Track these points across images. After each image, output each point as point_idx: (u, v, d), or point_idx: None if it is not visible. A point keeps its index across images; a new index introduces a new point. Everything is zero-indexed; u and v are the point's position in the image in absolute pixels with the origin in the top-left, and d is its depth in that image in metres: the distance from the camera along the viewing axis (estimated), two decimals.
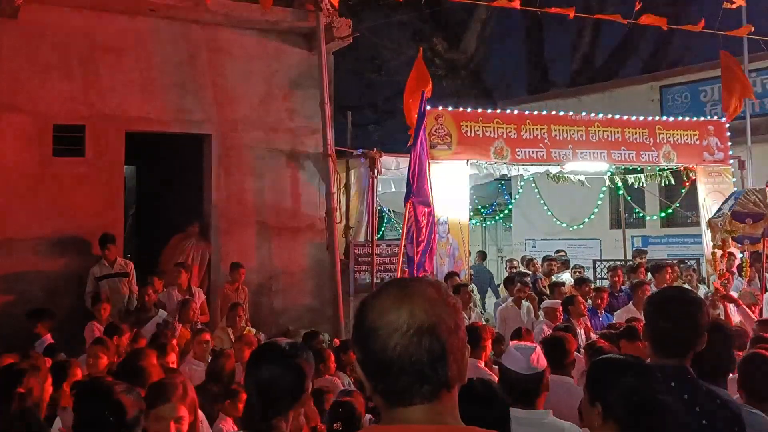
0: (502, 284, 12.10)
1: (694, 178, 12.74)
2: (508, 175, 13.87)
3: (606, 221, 17.76)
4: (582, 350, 6.33)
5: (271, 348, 2.86)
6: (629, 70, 23.04)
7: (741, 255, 11.08)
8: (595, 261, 16.15)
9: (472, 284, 11.65)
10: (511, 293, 10.24)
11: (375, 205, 11.49)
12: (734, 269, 10.42)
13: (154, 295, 8.82)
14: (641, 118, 12.50)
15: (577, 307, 8.56)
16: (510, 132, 11.34)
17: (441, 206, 10.65)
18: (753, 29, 11.94)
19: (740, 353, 4.95)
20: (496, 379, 4.32)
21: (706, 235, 11.28)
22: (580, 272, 12.35)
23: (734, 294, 8.91)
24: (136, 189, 11.79)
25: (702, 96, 17.24)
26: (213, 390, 5.59)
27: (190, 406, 3.39)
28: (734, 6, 11.32)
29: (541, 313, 9.45)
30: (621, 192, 14.33)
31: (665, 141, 12.38)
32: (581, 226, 16.46)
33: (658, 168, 12.88)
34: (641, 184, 13.59)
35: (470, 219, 12.78)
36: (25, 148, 9.50)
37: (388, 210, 16.60)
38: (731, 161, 12.93)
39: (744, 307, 7.75)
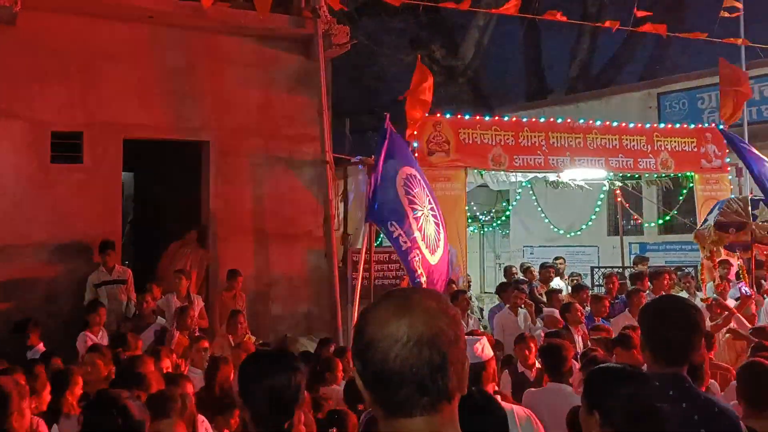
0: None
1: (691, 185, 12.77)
2: (507, 183, 13.88)
3: (604, 228, 17.76)
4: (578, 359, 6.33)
5: (276, 358, 2.93)
6: (627, 77, 23.09)
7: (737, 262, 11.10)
8: (592, 268, 16.14)
9: (470, 291, 11.67)
10: (505, 300, 10.23)
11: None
12: (731, 277, 10.43)
13: (152, 303, 8.80)
14: (639, 125, 12.53)
15: (574, 315, 8.56)
16: (508, 139, 11.37)
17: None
18: (749, 41, 11.99)
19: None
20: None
21: None
22: (577, 279, 12.35)
23: (731, 302, 8.93)
24: (134, 196, 11.79)
25: (699, 103, 17.27)
26: (210, 396, 5.59)
27: (188, 419, 3.40)
28: (733, 15, 11.36)
29: (539, 320, 9.46)
30: (619, 199, 14.35)
31: (663, 148, 12.40)
32: (579, 233, 16.47)
33: (655, 175, 12.90)
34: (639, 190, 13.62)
35: (468, 226, 12.78)
36: (23, 154, 9.50)
37: None
38: (729, 168, 12.95)
39: (739, 315, 7.77)
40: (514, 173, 11.95)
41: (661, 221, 15.43)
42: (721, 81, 12.56)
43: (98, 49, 9.97)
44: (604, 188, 14.17)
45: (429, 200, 8.87)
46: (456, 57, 24.03)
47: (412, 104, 10.63)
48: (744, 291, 9.10)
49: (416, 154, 10.72)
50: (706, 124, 13.69)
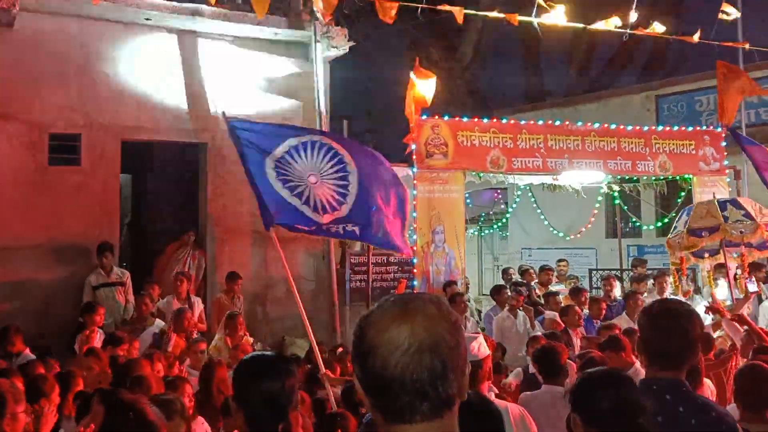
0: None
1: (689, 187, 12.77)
2: (506, 184, 13.88)
3: (602, 230, 17.77)
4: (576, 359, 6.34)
5: (270, 361, 2.95)
6: (625, 79, 23.10)
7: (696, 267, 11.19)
8: (590, 270, 16.15)
9: (469, 293, 11.66)
10: (500, 303, 10.23)
11: None
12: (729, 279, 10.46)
13: (151, 305, 8.80)
14: (637, 127, 12.52)
15: (572, 318, 8.57)
16: (506, 142, 11.36)
17: (436, 215, 10.69)
18: (748, 43, 11.99)
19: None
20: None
21: None
22: (574, 282, 12.35)
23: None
24: (131, 198, 11.79)
25: (698, 106, 17.29)
26: (207, 399, 5.59)
27: (187, 420, 3.45)
28: (730, 18, 11.36)
29: (537, 323, 9.47)
30: (617, 201, 14.35)
31: (661, 151, 12.39)
32: (577, 235, 16.48)
33: (654, 178, 12.90)
34: (637, 193, 13.63)
35: (467, 228, 12.78)
36: (21, 156, 9.50)
37: None
38: (727, 171, 12.95)
39: (728, 318, 7.75)
40: (512, 176, 11.94)
41: (659, 224, 15.43)
42: (719, 82, 12.55)
43: (96, 52, 9.99)
44: (602, 190, 14.17)
45: (319, 166, 7.32)
46: (454, 59, 24.03)
47: (410, 115, 10.62)
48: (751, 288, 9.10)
49: (414, 157, 10.73)
50: (704, 127, 13.70)
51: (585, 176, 12.36)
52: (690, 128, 13.20)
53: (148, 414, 3.00)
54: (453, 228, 10.91)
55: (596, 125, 12.14)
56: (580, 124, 12.09)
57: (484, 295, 18.20)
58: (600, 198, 14.71)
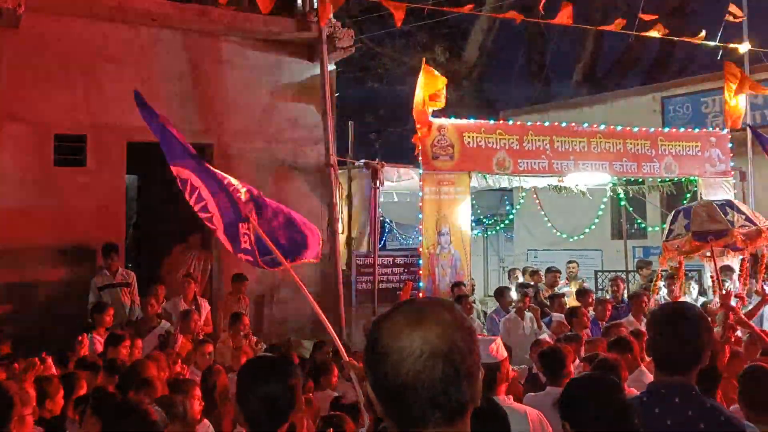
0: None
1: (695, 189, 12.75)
2: (509, 187, 13.88)
3: (607, 232, 17.74)
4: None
5: (271, 364, 2.99)
6: (631, 81, 23.07)
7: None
8: (596, 272, 16.12)
9: (474, 295, 11.65)
10: (502, 305, 10.22)
11: (377, 216, 11.49)
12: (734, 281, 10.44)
13: (157, 306, 8.79)
14: (643, 129, 12.51)
15: (580, 319, 8.55)
16: (512, 143, 11.36)
17: (442, 217, 10.69)
18: (754, 40, 11.95)
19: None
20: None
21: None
22: (580, 284, 12.34)
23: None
24: (137, 199, 11.81)
25: (704, 107, 17.23)
26: (209, 402, 5.59)
27: (189, 424, 3.48)
28: (737, 20, 11.33)
29: (544, 325, 9.46)
30: (623, 203, 14.33)
31: (667, 152, 12.38)
32: (582, 236, 16.45)
33: (659, 179, 12.88)
34: (643, 194, 13.62)
35: (472, 229, 12.76)
36: (27, 157, 9.52)
37: (390, 221, 16.60)
38: (732, 173, 12.92)
39: (740, 317, 7.71)
40: (517, 178, 11.94)
41: (665, 225, 15.41)
42: (726, 84, 12.52)
43: (102, 52, 9.99)
44: (608, 192, 14.16)
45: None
46: (460, 60, 24.02)
47: (417, 117, 10.61)
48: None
49: (420, 158, 10.73)
50: (710, 128, 13.66)
51: (591, 178, 12.35)
52: (696, 130, 13.18)
53: (152, 414, 3.02)
54: (459, 229, 10.91)
55: (602, 127, 12.13)
56: (586, 125, 12.08)
57: (489, 296, 18.17)
58: (605, 199, 14.69)
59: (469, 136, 11.06)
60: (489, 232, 20.59)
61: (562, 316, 9.10)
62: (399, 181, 11.92)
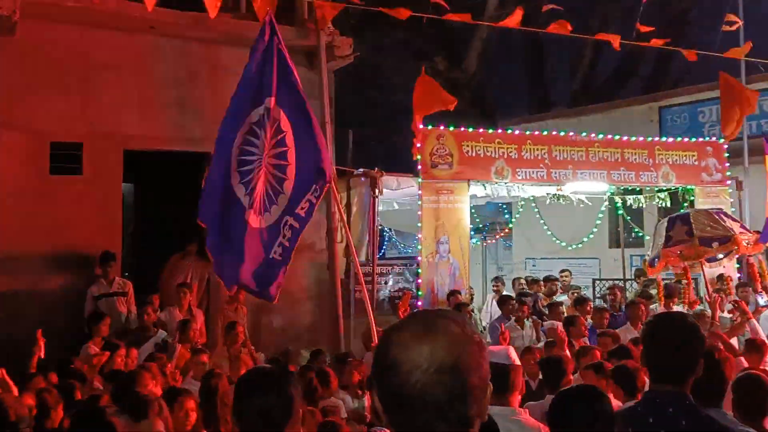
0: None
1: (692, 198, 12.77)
2: (508, 198, 13.90)
3: (605, 240, 17.74)
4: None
5: (265, 375, 2.96)
6: (629, 90, 23.13)
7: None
8: (594, 280, 16.12)
9: (473, 303, 11.65)
10: (505, 313, 10.23)
11: (376, 225, 11.49)
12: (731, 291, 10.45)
13: (153, 315, 8.78)
14: (641, 138, 12.53)
15: (578, 328, 8.55)
16: (511, 152, 11.38)
17: (441, 226, 10.70)
18: (750, 48, 11.97)
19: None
20: None
21: None
22: (576, 292, 12.35)
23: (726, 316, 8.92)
24: (134, 207, 11.79)
25: (701, 117, 17.27)
26: (206, 410, 5.57)
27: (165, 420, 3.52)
28: (733, 28, 11.38)
29: (543, 333, 9.46)
30: (620, 212, 14.35)
31: (664, 162, 12.41)
32: (580, 245, 16.46)
33: (657, 188, 12.90)
34: (640, 205, 13.64)
35: (471, 238, 12.77)
36: (22, 166, 9.50)
37: (389, 229, 16.59)
38: (729, 182, 12.95)
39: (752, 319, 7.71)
40: (516, 186, 11.95)
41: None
42: (721, 95, 12.56)
43: (99, 60, 9.99)
44: (606, 201, 14.19)
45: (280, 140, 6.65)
46: (459, 69, 24.07)
47: (416, 127, 10.65)
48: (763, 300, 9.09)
49: (420, 167, 10.74)
50: (707, 138, 13.69)
51: (589, 187, 12.37)
52: (693, 139, 13.21)
53: (115, 426, 3.03)
54: (457, 238, 10.91)
55: (600, 136, 12.15)
56: (584, 134, 12.10)
57: None
58: (603, 208, 14.71)
59: (467, 145, 11.07)
60: (488, 241, 20.59)
61: (555, 323, 9.09)
62: (398, 189, 11.92)
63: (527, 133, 12.02)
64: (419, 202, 10.74)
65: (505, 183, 11.52)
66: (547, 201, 13.00)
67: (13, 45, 9.42)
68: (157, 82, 10.32)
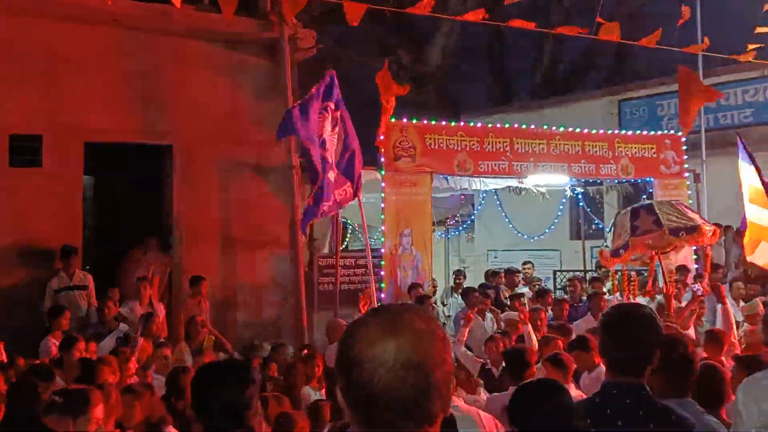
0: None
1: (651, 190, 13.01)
2: (469, 190, 14.00)
3: (566, 232, 17.99)
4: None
5: (226, 368, 2.98)
6: (589, 84, 23.41)
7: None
8: (555, 272, 16.33)
9: (436, 296, 11.73)
10: (469, 305, 10.32)
11: (339, 217, 11.51)
12: (688, 280, 10.66)
13: (114, 309, 8.72)
14: (601, 131, 12.72)
15: (535, 322, 8.66)
16: (473, 144, 11.46)
17: (404, 218, 10.75)
18: (708, 44, 12.20)
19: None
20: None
21: None
22: (538, 284, 12.51)
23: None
24: (96, 200, 11.64)
25: (659, 110, 17.57)
26: (178, 406, 5.56)
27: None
28: (685, 18, 11.58)
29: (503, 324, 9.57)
30: (581, 204, 14.56)
31: (624, 154, 12.61)
32: (541, 237, 16.66)
33: (616, 181, 13.11)
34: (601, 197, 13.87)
35: (433, 230, 12.85)
36: None
37: (351, 222, 16.59)
38: (687, 174, 13.20)
39: (726, 307, 7.86)
40: (478, 180, 12.06)
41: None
42: (680, 88, 12.76)
43: (60, 52, 9.84)
44: (567, 193, 14.39)
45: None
46: (422, 63, 24.13)
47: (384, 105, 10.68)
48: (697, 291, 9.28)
49: (383, 160, 10.78)
50: (666, 131, 13.94)
51: (550, 179, 12.52)
52: (652, 132, 13.44)
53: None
54: (420, 231, 10.97)
55: (561, 129, 12.30)
56: (545, 127, 12.25)
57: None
58: (564, 200, 14.90)
59: (430, 138, 11.14)
60: (450, 233, 20.71)
61: (514, 313, 9.21)
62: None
63: (489, 126, 12.13)
64: (382, 195, 10.78)
65: (468, 176, 11.61)
66: (509, 192, 13.13)
67: None
68: (119, 74, 10.20)
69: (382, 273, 10.83)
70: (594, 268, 14.44)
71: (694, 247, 11.29)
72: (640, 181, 13.16)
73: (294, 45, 11.00)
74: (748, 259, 9.30)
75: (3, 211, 9.32)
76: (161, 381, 6.57)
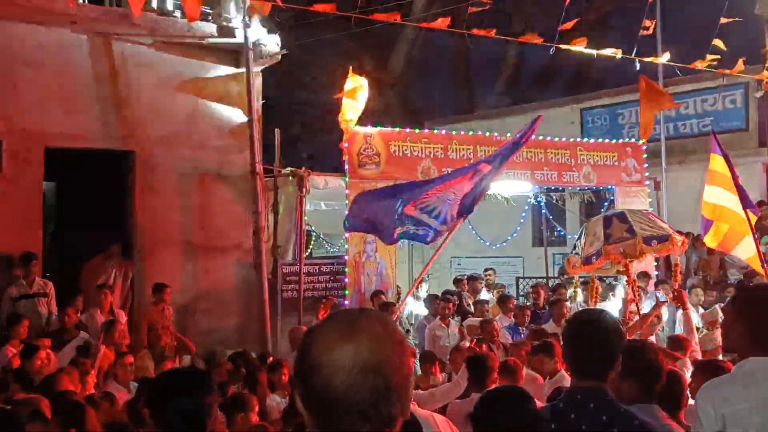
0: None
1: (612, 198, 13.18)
2: None
3: (528, 239, 18.15)
4: None
5: (186, 376, 2.97)
6: (552, 92, 23.66)
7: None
8: (518, 278, 16.46)
9: (400, 302, 11.73)
10: (432, 312, 10.36)
11: (303, 224, 11.48)
12: (650, 287, 10.82)
13: (74, 316, 8.59)
14: (563, 139, 12.87)
15: (489, 332, 8.73)
16: (437, 152, 11.52)
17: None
18: (668, 54, 12.44)
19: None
20: None
21: None
22: (501, 290, 12.60)
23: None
24: (56, 207, 11.46)
25: (620, 119, 17.84)
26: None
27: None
28: (649, 31, 11.80)
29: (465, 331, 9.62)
30: (543, 211, 14.70)
31: (586, 162, 12.76)
32: (504, 244, 16.79)
33: (578, 188, 13.27)
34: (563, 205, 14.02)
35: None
36: None
37: (316, 230, 16.56)
38: (647, 182, 13.41)
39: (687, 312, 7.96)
40: None
41: (582, 232, 15.86)
42: (641, 97, 12.97)
43: (19, 55, 9.69)
44: (530, 200, 14.52)
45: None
46: (386, 70, 24.19)
47: (343, 114, 10.66)
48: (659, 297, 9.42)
49: (347, 167, 10.77)
50: (627, 139, 14.15)
51: (513, 186, 12.62)
52: (613, 141, 13.63)
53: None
54: None
55: None
56: (509, 135, 12.33)
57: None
58: (527, 208, 15.04)
59: (395, 145, 11.17)
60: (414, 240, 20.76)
61: (476, 320, 9.26)
62: (326, 188, 11.93)
63: (453, 133, 12.20)
64: (346, 202, 10.77)
65: None
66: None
67: None
68: (80, 78, 10.07)
69: (346, 280, 10.83)
70: (557, 275, 14.58)
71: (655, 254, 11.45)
72: (601, 188, 13.32)
73: (258, 51, 10.95)
74: (732, 252, 9.40)
75: None
76: (123, 390, 6.52)
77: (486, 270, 13.89)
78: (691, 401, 4.00)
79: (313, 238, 15.34)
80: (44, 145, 9.78)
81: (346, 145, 10.78)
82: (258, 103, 11.01)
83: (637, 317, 8.23)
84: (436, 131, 12.40)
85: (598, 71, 21.57)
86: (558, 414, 2.89)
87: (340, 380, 1.54)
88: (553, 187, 13.48)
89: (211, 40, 10.89)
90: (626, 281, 9.11)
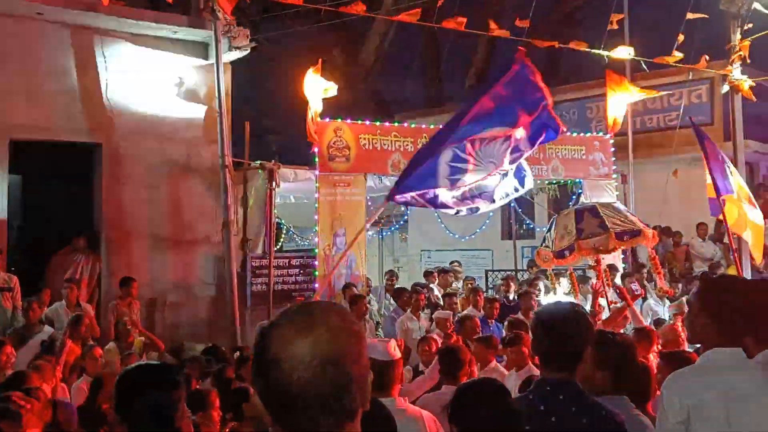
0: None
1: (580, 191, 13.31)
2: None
3: (497, 232, 18.27)
4: None
5: (153, 371, 2.92)
6: None
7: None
8: (487, 271, 16.57)
9: (370, 295, 11.76)
10: (402, 305, 10.38)
11: (273, 217, 11.44)
12: (617, 280, 10.95)
13: (39, 311, 8.48)
14: None
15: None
16: (407, 145, 11.53)
17: (338, 218, 10.74)
18: (635, 49, 12.57)
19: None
20: None
21: None
22: (470, 283, 12.68)
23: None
24: (22, 200, 11.29)
25: (588, 113, 18.00)
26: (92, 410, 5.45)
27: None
28: (615, 26, 11.93)
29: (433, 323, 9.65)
30: (512, 204, 14.78)
31: (554, 155, 12.86)
32: (473, 236, 16.88)
33: (546, 181, 13.37)
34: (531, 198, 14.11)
35: (367, 230, 12.88)
36: None
37: (285, 224, 16.51)
38: (614, 176, 13.56)
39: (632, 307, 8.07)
40: None
41: (551, 226, 15.99)
42: (608, 92, 13.09)
43: None
44: None
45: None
46: (357, 63, 24.14)
47: (309, 118, 10.62)
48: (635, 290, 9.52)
49: (317, 160, 10.74)
50: (594, 133, 14.29)
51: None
52: (581, 134, 13.76)
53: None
54: (355, 231, 10.97)
55: None
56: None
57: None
58: None
59: (365, 138, 11.16)
60: (384, 233, 20.80)
61: (448, 312, 9.29)
62: (295, 181, 11.89)
63: (423, 126, 12.23)
64: (316, 195, 10.75)
65: None
66: None
67: None
68: (45, 70, 9.93)
69: (316, 273, 10.81)
70: (526, 268, 14.70)
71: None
72: (569, 182, 13.44)
73: (228, 43, 10.87)
74: (743, 235, 9.70)
75: None
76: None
77: (452, 262, 13.97)
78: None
79: (284, 232, 15.30)
80: (9, 137, 9.63)
81: (316, 141, 10.73)
82: (227, 96, 10.93)
83: (606, 311, 8.33)
84: (406, 124, 12.40)
85: (566, 65, 21.75)
86: (528, 405, 2.92)
87: (299, 374, 1.53)
88: None
89: (180, 33, 10.79)
90: (596, 275, 9.20)
